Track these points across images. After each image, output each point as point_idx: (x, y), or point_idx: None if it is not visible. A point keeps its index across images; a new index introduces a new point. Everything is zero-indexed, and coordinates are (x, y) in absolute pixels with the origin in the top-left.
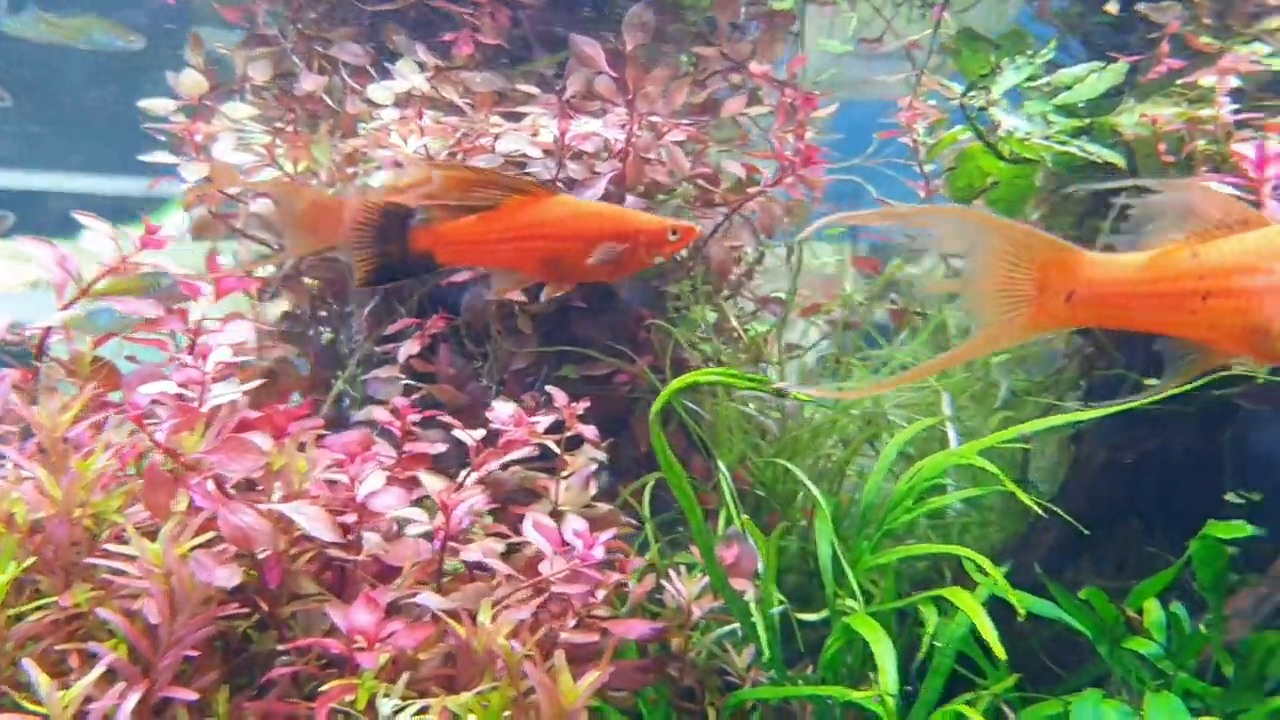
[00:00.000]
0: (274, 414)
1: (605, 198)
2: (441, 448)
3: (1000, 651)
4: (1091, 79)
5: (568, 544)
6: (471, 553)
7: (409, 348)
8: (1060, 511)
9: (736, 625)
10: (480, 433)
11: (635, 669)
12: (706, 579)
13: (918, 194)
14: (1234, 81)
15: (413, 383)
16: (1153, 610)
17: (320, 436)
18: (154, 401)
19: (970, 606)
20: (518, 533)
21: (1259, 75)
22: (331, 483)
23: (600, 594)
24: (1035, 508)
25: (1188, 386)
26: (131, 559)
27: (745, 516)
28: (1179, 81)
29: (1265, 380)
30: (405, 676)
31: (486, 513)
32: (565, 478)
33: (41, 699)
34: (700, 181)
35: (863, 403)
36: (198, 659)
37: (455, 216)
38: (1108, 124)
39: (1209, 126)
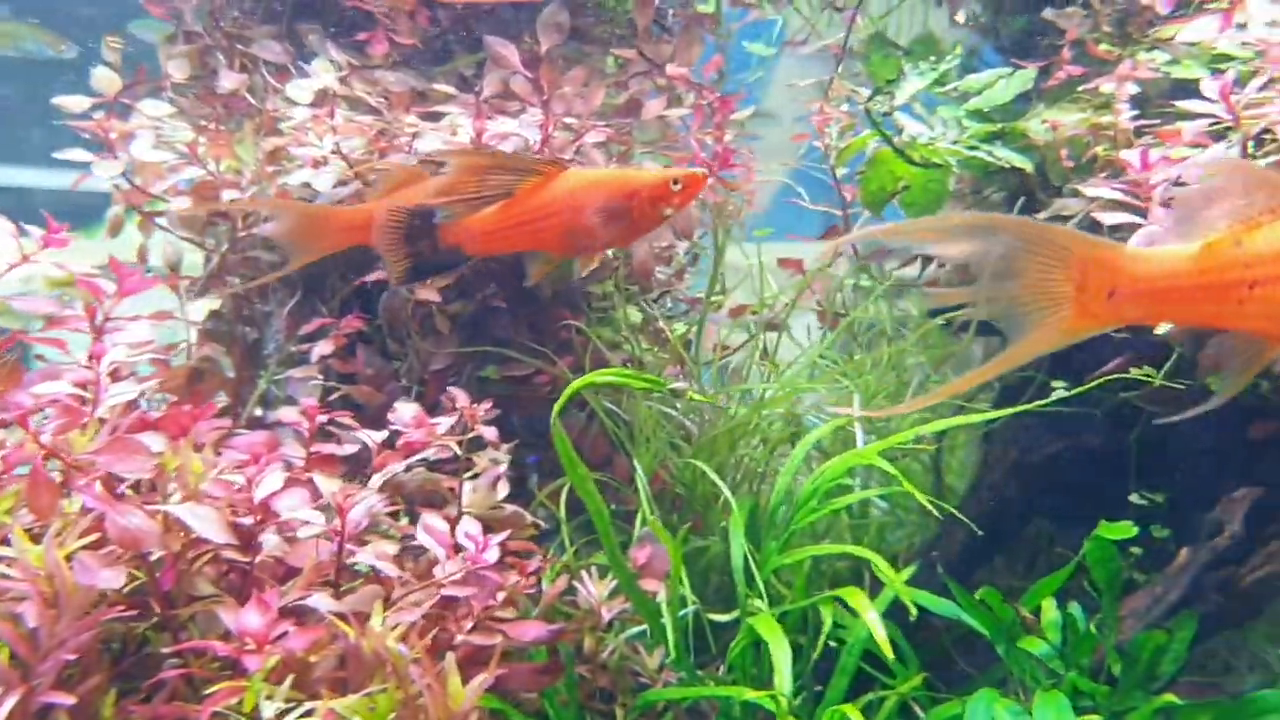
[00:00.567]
0: (178, 414)
1: None
2: (351, 449)
3: (888, 651)
4: (999, 85)
5: (460, 547)
6: (366, 555)
7: (323, 348)
8: (958, 514)
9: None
10: (382, 434)
11: (533, 671)
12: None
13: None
14: (1132, 88)
15: (333, 384)
16: (1049, 610)
17: (227, 436)
18: (53, 402)
19: (862, 606)
20: None
21: (1158, 82)
22: (235, 484)
23: (501, 596)
24: (931, 508)
25: (1085, 388)
26: (11, 561)
27: (653, 517)
28: (1081, 89)
29: (1160, 384)
30: (290, 679)
31: (401, 515)
32: (470, 479)
33: None
34: None
35: (786, 402)
36: (83, 662)
37: (475, 210)
38: (1018, 129)
39: (1109, 132)
